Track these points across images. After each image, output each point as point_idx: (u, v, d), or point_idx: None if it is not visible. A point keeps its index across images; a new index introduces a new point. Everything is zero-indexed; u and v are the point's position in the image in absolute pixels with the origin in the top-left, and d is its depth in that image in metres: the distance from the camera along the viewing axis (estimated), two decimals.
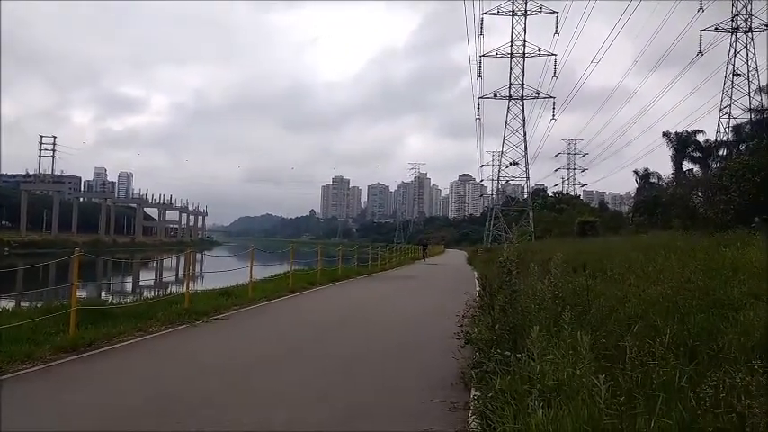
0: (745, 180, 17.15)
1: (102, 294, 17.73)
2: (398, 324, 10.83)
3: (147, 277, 33.61)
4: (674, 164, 52.50)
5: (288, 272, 18.34)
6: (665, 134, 53.45)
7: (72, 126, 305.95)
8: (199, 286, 16.19)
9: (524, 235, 52.92)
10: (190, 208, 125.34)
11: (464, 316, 8.63)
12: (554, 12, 61.79)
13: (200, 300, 11.94)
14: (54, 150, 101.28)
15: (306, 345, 8.60)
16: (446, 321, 9.67)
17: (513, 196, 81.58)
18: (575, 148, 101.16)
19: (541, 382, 4.13)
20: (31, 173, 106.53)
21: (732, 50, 50.14)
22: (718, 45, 52.06)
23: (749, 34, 50.02)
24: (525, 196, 71.99)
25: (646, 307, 6.00)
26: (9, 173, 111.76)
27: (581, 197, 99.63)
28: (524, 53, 62.79)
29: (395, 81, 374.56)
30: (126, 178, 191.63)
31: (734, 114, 49.03)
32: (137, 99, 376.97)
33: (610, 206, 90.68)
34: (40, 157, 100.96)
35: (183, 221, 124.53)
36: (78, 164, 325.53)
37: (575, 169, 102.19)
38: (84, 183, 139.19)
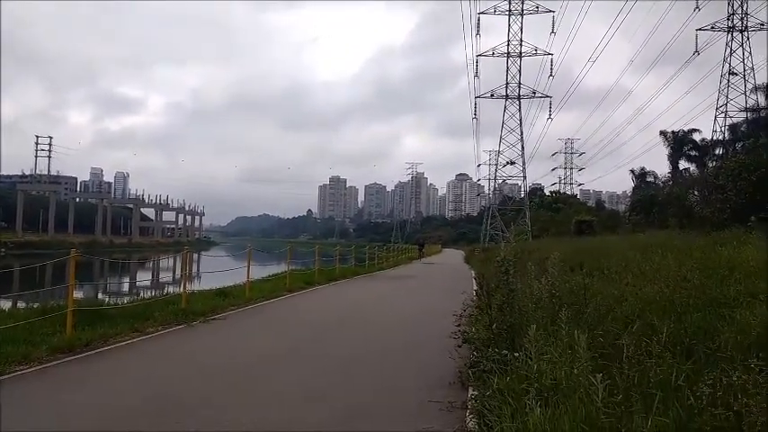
0: (741, 179, 17.21)
1: (99, 295, 17.70)
2: (395, 324, 10.83)
3: (143, 278, 33.54)
4: (671, 163, 52.69)
5: (285, 272, 18.34)
6: (662, 133, 53.67)
7: (68, 126, 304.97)
8: (196, 286, 16.17)
9: (521, 234, 52.98)
10: (187, 208, 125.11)
11: (461, 316, 8.62)
12: (550, 11, 61.76)
13: (197, 300, 11.92)
14: (50, 151, 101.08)
15: (303, 345, 8.59)
16: (443, 321, 9.65)
17: (510, 195, 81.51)
18: (571, 148, 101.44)
19: (539, 381, 4.13)
20: (27, 173, 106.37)
21: (728, 49, 50.20)
22: (715, 44, 52.17)
23: (745, 33, 50.12)
24: (522, 195, 72.04)
25: (643, 306, 6.00)
26: (5, 173, 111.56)
27: (578, 196, 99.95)
28: (521, 52, 62.75)
29: (392, 81, 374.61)
30: (122, 178, 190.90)
31: (730, 113, 49.14)
32: (133, 99, 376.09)
33: (607, 205, 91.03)
34: (36, 157, 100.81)
35: (180, 222, 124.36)
36: (75, 164, 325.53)
37: (571, 168, 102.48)
38: (81, 183, 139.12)
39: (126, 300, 12.36)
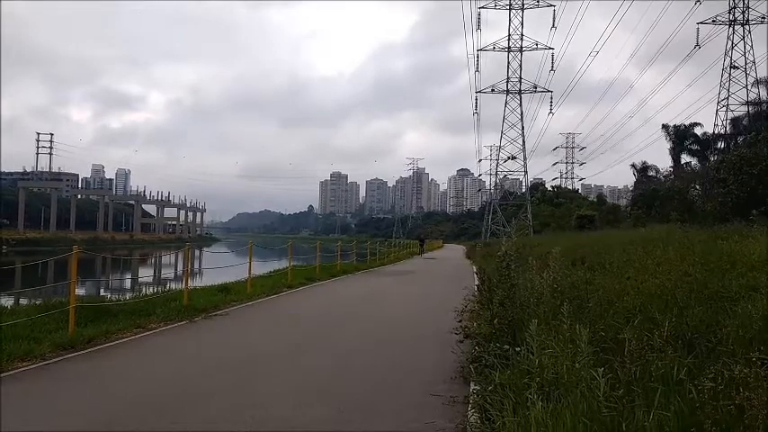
0: (742, 172, 17.19)
1: (101, 291, 17.75)
2: (396, 320, 10.84)
3: (145, 274, 33.60)
4: (672, 157, 52.54)
5: (287, 268, 18.35)
6: (664, 127, 53.53)
7: (70, 123, 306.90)
8: (198, 283, 16.20)
9: (523, 229, 53.04)
10: (188, 204, 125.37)
11: (463, 311, 8.63)
12: (551, 5, 61.54)
13: (199, 296, 11.94)
14: (51, 148, 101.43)
15: (305, 340, 8.61)
16: (444, 316, 9.68)
17: (512, 190, 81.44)
18: (573, 142, 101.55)
19: (540, 375, 4.13)
20: (28, 170, 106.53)
21: (729, 43, 49.94)
22: (716, 38, 52.08)
23: (746, 26, 49.83)
24: (523, 190, 71.89)
25: (644, 300, 5.99)
26: (7, 170, 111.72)
27: (579, 191, 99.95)
28: (522, 47, 62.59)
29: (393, 76, 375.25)
30: (124, 175, 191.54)
31: (731, 107, 48.90)
32: (134, 96, 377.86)
33: (608, 200, 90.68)
34: (37, 154, 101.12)
35: (182, 218, 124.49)
36: (76, 161, 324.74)
37: (573, 163, 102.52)
38: (82, 180, 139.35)
39: (128, 296, 12.38)
